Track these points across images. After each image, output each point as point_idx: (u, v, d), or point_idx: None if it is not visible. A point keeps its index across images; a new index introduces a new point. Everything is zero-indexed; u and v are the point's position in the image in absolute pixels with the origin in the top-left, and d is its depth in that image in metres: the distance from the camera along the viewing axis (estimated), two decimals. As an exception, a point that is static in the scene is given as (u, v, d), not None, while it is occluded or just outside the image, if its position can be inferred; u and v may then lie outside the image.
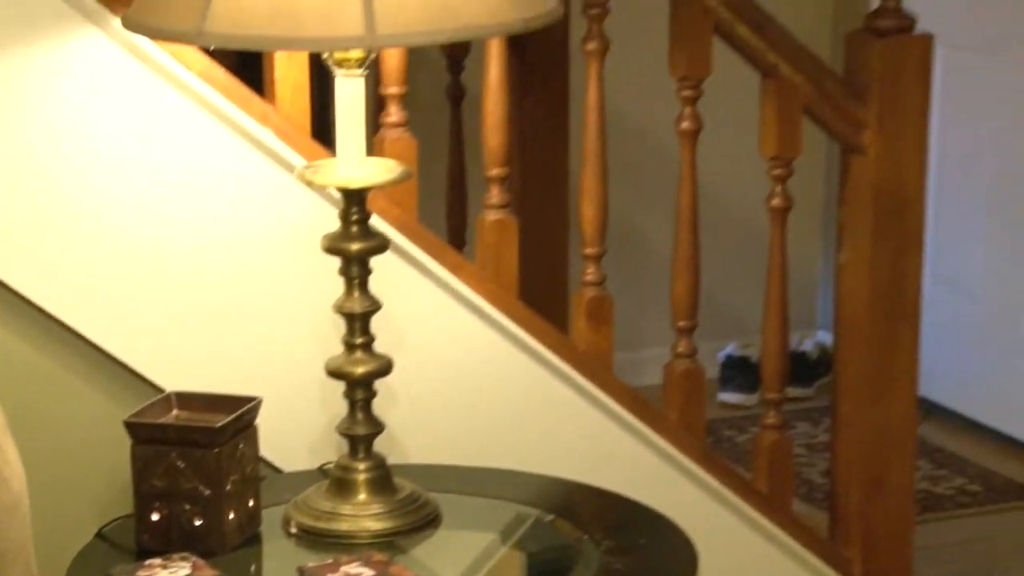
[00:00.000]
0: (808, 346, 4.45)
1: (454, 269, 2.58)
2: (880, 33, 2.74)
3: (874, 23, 2.75)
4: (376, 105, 2.56)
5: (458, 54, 3.19)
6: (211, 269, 2.39)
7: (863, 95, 2.75)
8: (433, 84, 3.31)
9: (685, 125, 2.71)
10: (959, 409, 4.21)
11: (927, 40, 2.77)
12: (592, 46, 2.67)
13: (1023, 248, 4.06)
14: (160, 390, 2.29)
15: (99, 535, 2.15)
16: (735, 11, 2.68)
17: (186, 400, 2.19)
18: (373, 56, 2.09)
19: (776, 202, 2.78)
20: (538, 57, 3.06)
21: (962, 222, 4.15)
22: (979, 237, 4.14)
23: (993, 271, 4.15)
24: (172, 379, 2.31)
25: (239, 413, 2.11)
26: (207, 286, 2.39)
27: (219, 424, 2.06)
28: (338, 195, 2.13)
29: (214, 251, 2.39)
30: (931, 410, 4.00)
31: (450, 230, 3.24)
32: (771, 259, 2.81)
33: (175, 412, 2.17)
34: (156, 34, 2.04)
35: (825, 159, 3.60)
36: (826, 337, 3.98)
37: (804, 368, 4.35)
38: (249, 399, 2.15)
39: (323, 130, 2.40)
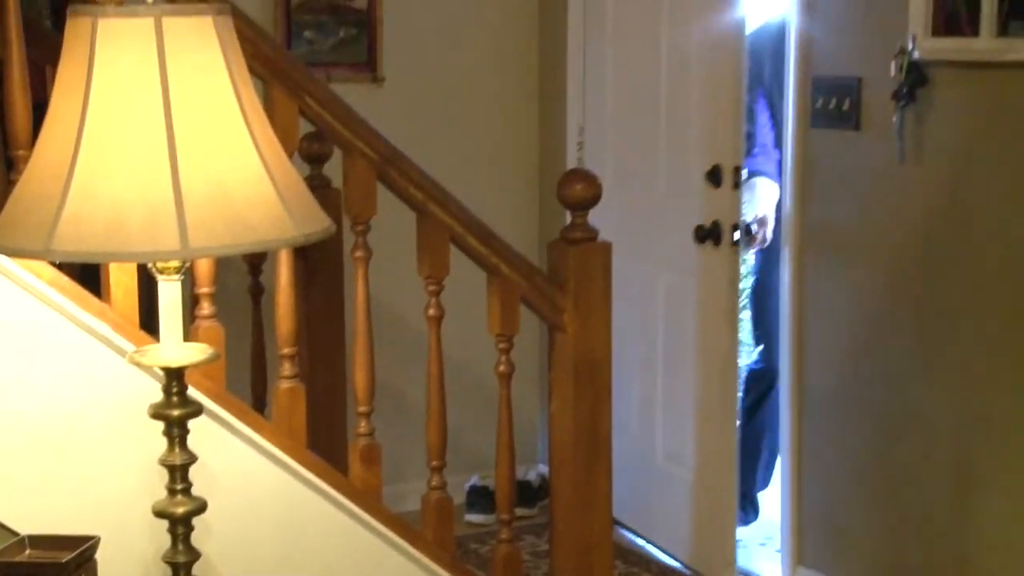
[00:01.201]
0: (531, 476, 4.47)
1: (256, 427, 2.58)
2: (573, 242, 2.79)
3: (568, 235, 2.80)
4: (192, 300, 2.57)
5: (256, 260, 3.18)
6: (59, 434, 2.36)
7: (563, 287, 2.79)
8: (238, 283, 3.30)
9: (431, 312, 2.73)
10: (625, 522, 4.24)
11: (607, 247, 2.82)
12: (359, 254, 2.70)
13: (661, 400, 4.14)
14: (16, 534, 2.25)
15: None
16: (466, 226, 2.74)
17: (37, 541, 2.17)
18: (188, 264, 2.09)
19: (502, 368, 2.79)
20: (319, 261, 3.07)
21: (623, 380, 4.20)
22: (635, 392, 4.18)
23: (643, 417, 4.21)
24: (27, 524, 2.26)
25: (81, 550, 2.10)
26: (56, 447, 2.36)
27: (64, 560, 2.04)
28: (161, 373, 2.12)
29: (63, 419, 2.36)
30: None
31: (254, 396, 3.22)
32: (500, 411, 2.83)
33: (28, 551, 2.15)
34: (11, 252, 2.00)
35: (540, 334, 3.67)
36: (544, 468, 4.04)
37: (529, 493, 4.39)
38: (89, 538, 2.14)
39: (151, 321, 2.39)
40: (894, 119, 3.31)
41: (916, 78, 3.28)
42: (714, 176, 3.79)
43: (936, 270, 3.31)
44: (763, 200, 4.20)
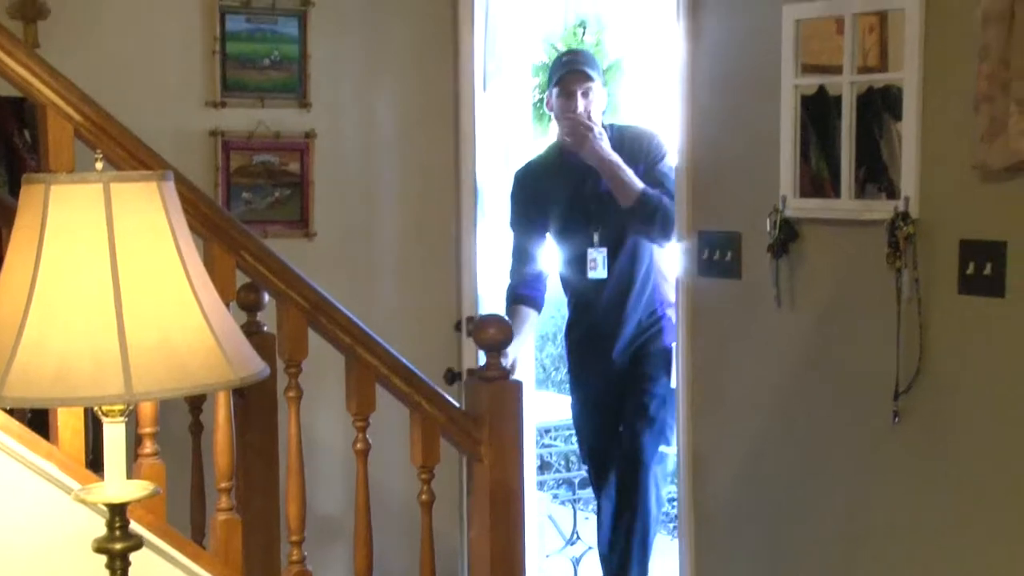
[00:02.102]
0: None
1: (194, 557, 2.51)
2: (488, 380, 2.80)
3: (483, 373, 2.82)
4: (136, 440, 2.51)
5: (197, 400, 3.15)
6: (9, 571, 2.27)
7: (479, 422, 2.79)
8: (180, 421, 3.24)
9: (359, 446, 2.72)
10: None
11: (519, 384, 2.84)
12: (291, 394, 2.69)
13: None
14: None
15: None
16: (390, 367, 2.74)
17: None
18: (132, 407, 2.04)
19: (424, 497, 2.77)
20: (254, 401, 3.04)
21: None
22: None
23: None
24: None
25: None
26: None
27: None
28: (105, 509, 2.06)
29: (11, 557, 2.27)
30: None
31: (193, 526, 3.15)
32: (423, 538, 2.80)
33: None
34: (-35, 400, 1.95)
35: (459, 465, 3.63)
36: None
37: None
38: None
39: (97, 458, 2.33)
40: (770, 270, 3.37)
41: (788, 233, 3.36)
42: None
43: (814, 406, 3.34)
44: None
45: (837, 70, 3.26)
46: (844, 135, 3.24)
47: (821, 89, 3.33)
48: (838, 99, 3.26)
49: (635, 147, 4.08)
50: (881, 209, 3.12)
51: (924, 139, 3.06)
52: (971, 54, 2.83)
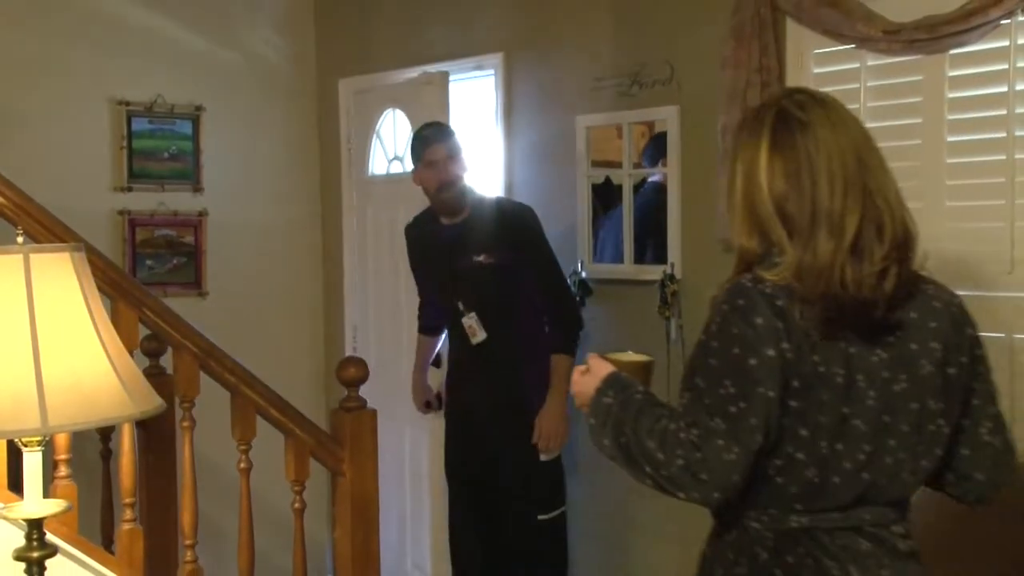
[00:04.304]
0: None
1: (103, 562, 2.40)
2: (348, 410, 2.75)
3: (345, 404, 2.76)
4: (52, 465, 2.39)
5: (106, 431, 3.02)
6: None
7: (342, 444, 2.74)
8: (93, 448, 3.10)
9: (242, 466, 2.64)
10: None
11: (373, 413, 2.78)
12: (185, 424, 2.61)
13: (410, 519, 4.07)
14: None
15: None
16: (268, 401, 2.67)
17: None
18: (48, 438, 1.95)
19: (296, 506, 2.68)
20: (155, 431, 2.91)
21: (385, 507, 4.17)
22: (393, 514, 4.00)
23: (399, 533, 4.09)
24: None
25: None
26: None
27: None
28: (24, 523, 1.96)
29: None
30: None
31: (104, 536, 3.01)
32: (295, 539, 2.71)
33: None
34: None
35: (327, 479, 3.56)
36: (333, 580, 3.86)
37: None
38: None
39: (17, 482, 2.21)
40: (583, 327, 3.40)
41: (585, 290, 3.44)
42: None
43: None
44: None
45: (619, 165, 3.39)
46: (625, 214, 3.36)
47: (607, 179, 3.45)
48: (620, 187, 3.39)
49: (502, 224, 3.26)
50: (654, 272, 3.24)
51: (684, 219, 3.19)
52: (716, 157, 2.97)
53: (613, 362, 1.65)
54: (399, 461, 4.09)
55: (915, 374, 1.52)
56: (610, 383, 1.60)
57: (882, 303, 1.49)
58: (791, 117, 1.54)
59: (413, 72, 3.98)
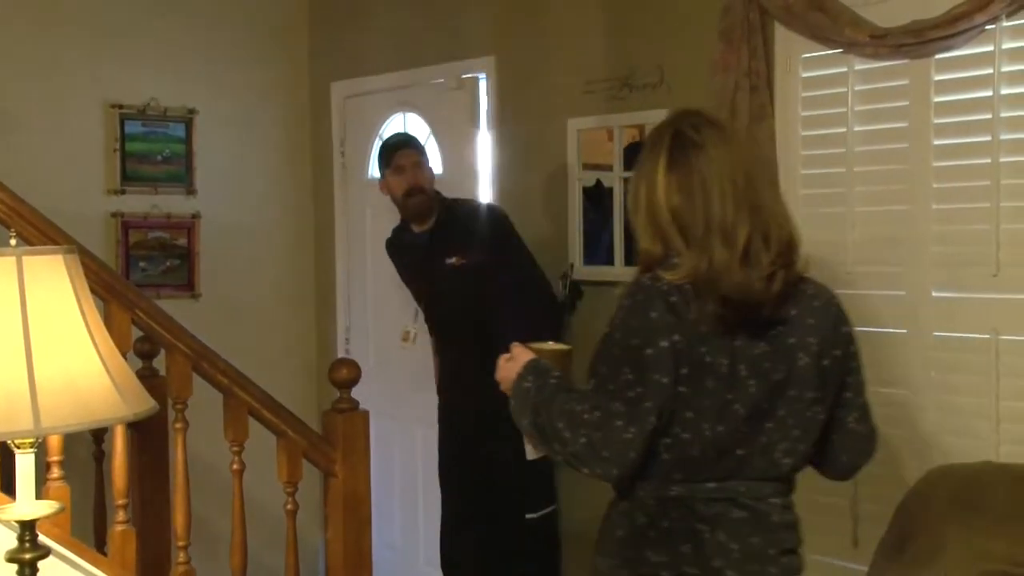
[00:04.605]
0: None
1: (95, 563, 2.40)
2: (340, 411, 2.77)
3: (337, 406, 2.77)
4: (45, 466, 2.39)
5: (99, 432, 3.03)
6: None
7: (334, 445, 2.75)
8: (86, 449, 3.11)
9: (235, 467, 2.65)
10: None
11: (366, 414, 2.79)
12: (178, 426, 2.62)
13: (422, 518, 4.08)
14: None
15: None
16: (260, 403, 2.68)
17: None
18: (40, 440, 1.95)
19: (289, 507, 2.70)
20: (148, 432, 2.94)
21: (387, 510, 4.13)
22: (396, 516, 4.02)
23: (406, 533, 4.03)
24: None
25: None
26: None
27: None
28: (17, 525, 1.96)
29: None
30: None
31: (96, 537, 3.01)
32: (288, 540, 2.73)
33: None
34: None
35: (319, 480, 3.57)
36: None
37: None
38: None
39: (10, 483, 2.21)
40: (564, 320, 3.44)
41: (575, 292, 3.45)
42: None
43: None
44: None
45: (609, 168, 3.40)
46: (615, 217, 3.37)
47: (598, 182, 3.46)
48: (611, 189, 3.40)
49: (472, 226, 3.28)
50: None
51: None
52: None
53: (535, 350, 1.82)
54: (411, 460, 4.06)
55: (793, 365, 1.69)
56: (530, 369, 1.78)
57: (769, 303, 1.67)
58: (686, 138, 1.71)
59: (413, 74, 3.99)
